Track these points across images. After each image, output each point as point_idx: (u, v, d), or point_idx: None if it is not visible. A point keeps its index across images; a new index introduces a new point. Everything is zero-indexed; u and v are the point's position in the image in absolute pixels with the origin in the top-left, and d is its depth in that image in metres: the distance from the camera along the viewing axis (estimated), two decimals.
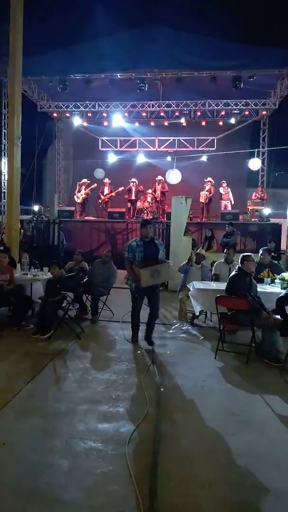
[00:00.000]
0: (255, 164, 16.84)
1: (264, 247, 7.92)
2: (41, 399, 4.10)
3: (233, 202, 15.78)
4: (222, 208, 15.52)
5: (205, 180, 15.71)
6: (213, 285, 6.74)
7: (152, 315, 5.96)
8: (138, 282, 5.55)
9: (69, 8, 11.83)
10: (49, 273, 6.87)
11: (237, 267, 5.89)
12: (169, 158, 17.33)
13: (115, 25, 11.58)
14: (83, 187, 16.03)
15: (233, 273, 5.89)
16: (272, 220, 14.63)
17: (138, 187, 15.93)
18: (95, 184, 16.13)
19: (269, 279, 6.89)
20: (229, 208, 15.61)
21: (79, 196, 16.02)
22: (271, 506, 2.72)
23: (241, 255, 5.94)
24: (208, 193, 15.50)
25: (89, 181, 16.23)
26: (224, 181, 15.82)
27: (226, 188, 15.73)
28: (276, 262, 7.95)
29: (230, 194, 15.77)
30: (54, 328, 6.15)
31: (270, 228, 14.06)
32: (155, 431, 3.53)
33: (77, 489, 2.77)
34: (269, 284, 6.75)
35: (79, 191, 16.09)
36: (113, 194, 15.97)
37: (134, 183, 15.84)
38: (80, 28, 12.12)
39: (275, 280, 6.78)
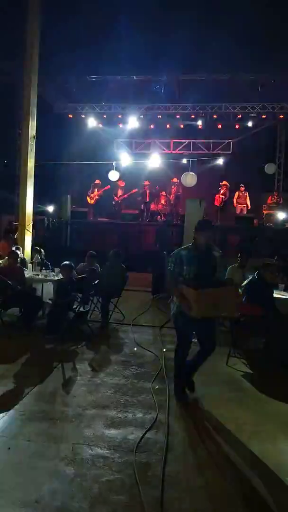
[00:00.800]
0: (270, 168, 16.63)
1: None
2: (49, 403, 4.04)
3: (249, 207, 15.58)
4: (238, 212, 15.35)
5: (220, 183, 15.57)
6: None
7: (204, 353, 4.23)
8: (188, 310, 3.90)
9: (87, 9, 11.84)
10: (60, 274, 6.83)
11: (256, 274, 5.73)
12: (184, 161, 17.22)
13: (133, 27, 11.55)
14: (96, 188, 16.01)
15: (250, 278, 5.74)
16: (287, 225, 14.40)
17: (152, 187, 15.84)
18: (108, 186, 16.10)
19: (283, 285, 6.74)
20: (245, 212, 15.43)
21: (92, 197, 16.01)
22: None
23: (263, 263, 5.77)
24: (223, 196, 15.35)
25: (101, 183, 16.18)
26: (242, 185, 15.63)
27: (243, 192, 15.54)
28: None
29: (248, 198, 15.57)
30: (64, 330, 6.10)
31: (286, 233, 13.82)
32: (163, 439, 3.44)
33: (82, 498, 2.69)
34: (284, 290, 6.60)
35: (92, 192, 16.08)
36: (125, 196, 15.91)
37: (148, 185, 15.77)
38: (98, 30, 12.13)
39: None
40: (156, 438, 3.46)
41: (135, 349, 5.87)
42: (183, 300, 3.96)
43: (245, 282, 5.83)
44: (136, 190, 15.73)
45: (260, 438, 3.56)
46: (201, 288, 3.82)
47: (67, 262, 6.61)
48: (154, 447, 3.34)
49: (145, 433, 3.52)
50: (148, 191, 15.75)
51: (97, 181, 16.15)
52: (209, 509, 2.68)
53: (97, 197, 15.98)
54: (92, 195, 16.02)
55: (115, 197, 16.09)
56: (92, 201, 15.99)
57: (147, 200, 15.77)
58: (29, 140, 9.02)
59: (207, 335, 4.16)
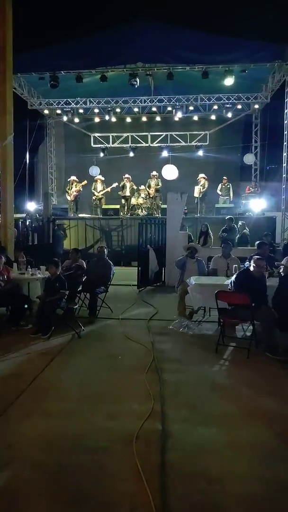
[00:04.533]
0: (249, 159, 16.91)
1: (262, 241, 7.91)
2: (45, 399, 4.07)
3: (232, 198, 15.71)
4: (221, 203, 15.49)
5: (197, 178, 15.57)
6: (213, 280, 6.72)
7: None
8: None
9: (57, 3, 11.74)
10: (46, 271, 6.83)
11: (245, 265, 5.81)
12: (165, 153, 17.26)
13: (105, 19, 11.51)
14: (74, 185, 15.84)
15: (240, 271, 5.81)
16: (266, 214, 14.66)
17: (131, 181, 15.82)
18: (85, 181, 15.95)
19: (266, 273, 6.87)
20: (228, 203, 15.58)
21: (70, 194, 15.87)
22: (281, 499, 2.73)
23: (254, 257, 5.84)
24: (202, 187, 15.46)
25: (78, 179, 15.96)
26: (225, 178, 15.73)
27: (226, 184, 15.66)
28: (272, 255, 7.97)
29: (231, 190, 15.69)
30: (53, 327, 6.12)
31: (265, 222, 14.06)
32: (161, 428, 3.53)
33: (89, 488, 2.76)
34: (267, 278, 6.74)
35: (70, 189, 15.93)
36: (108, 190, 15.80)
37: (128, 179, 15.75)
38: (70, 23, 12.05)
39: (273, 273, 6.77)
40: (154, 428, 3.54)
41: (125, 342, 5.93)
42: None
43: (236, 273, 5.89)
44: (116, 184, 15.68)
45: (254, 422, 3.68)
46: None
47: (56, 259, 6.63)
48: (153, 436, 3.41)
49: (143, 423, 3.59)
50: (127, 185, 15.73)
51: (74, 177, 15.96)
52: (212, 494, 2.76)
53: (75, 193, 15.84)
54: (70, 191, 15.88)
55: (94, 193, 16.00)
56: (72, 198, 15.86)
57: (127, 194, 15.76)
58: (7, 138, 8.92)
59: None
